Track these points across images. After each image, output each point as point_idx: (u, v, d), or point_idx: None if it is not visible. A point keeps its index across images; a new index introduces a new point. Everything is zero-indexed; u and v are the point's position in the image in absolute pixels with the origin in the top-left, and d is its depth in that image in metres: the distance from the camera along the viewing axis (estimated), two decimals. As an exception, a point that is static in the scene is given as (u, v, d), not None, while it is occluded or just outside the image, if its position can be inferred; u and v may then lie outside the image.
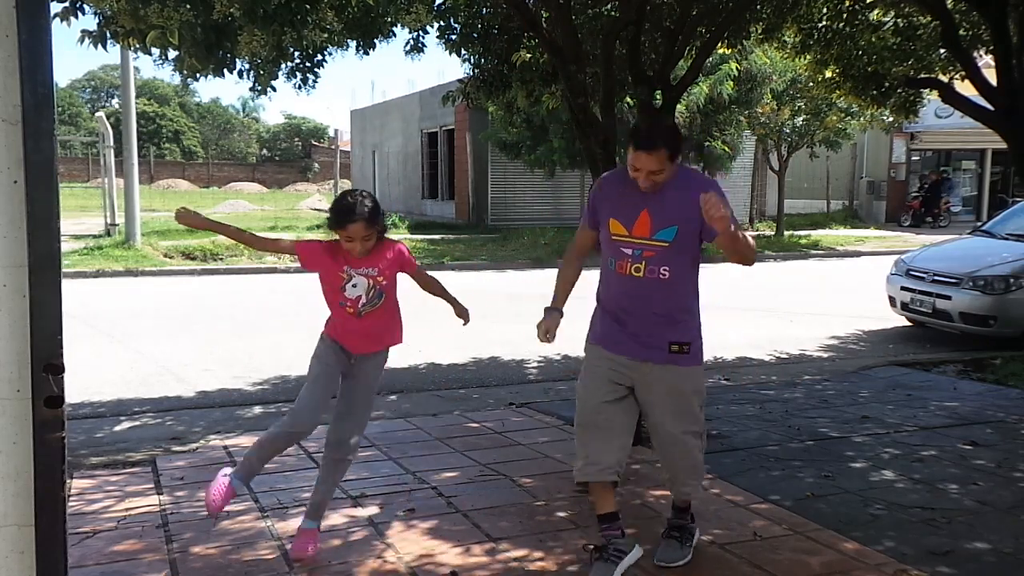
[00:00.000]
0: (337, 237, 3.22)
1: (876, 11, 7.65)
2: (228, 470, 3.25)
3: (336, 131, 30.72)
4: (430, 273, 3.57)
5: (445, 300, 3.50)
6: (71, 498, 3.95)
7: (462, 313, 3.49)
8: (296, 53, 5.86)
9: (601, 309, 3.27)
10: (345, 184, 34.95)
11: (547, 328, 3.27)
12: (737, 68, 17.57)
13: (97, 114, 20.77)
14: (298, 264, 3.37)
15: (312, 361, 3.34)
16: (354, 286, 3.23)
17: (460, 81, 7.46)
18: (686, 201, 2.98)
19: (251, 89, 5.94)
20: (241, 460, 3.32)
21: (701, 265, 3.22)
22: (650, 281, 3.08)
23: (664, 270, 3.07)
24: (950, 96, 7.32)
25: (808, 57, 7.90)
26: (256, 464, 3.27)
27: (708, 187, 2.96)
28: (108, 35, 5.44)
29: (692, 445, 3.25)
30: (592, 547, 3.21)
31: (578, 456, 3.21)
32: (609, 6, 6.41)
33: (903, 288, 8.91)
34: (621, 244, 3.12)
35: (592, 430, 3.16)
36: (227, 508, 3.82)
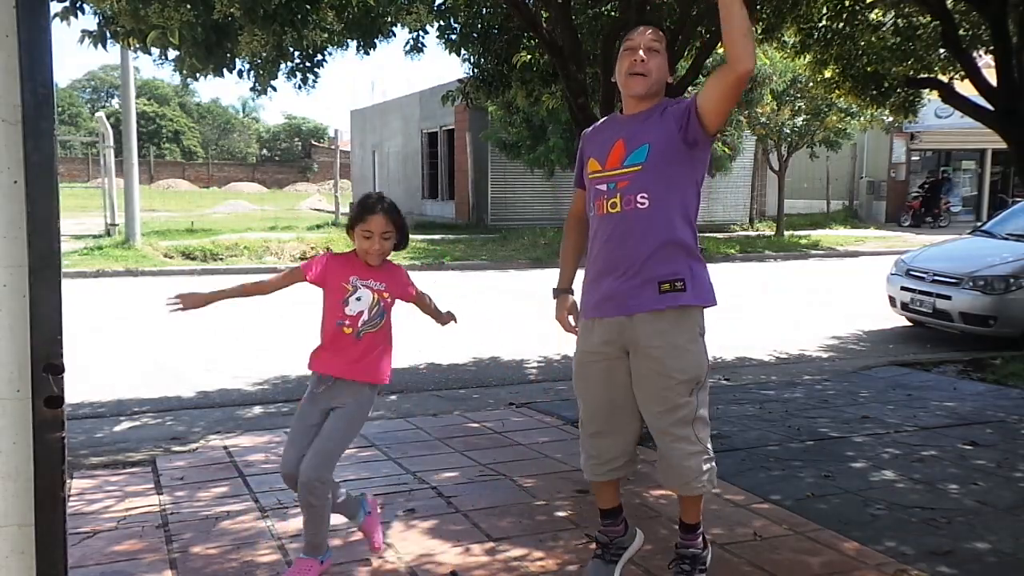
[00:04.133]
0: (350, 248, 3.08)
1: (876, 11, 7.66)
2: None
3: (336, 131, 30.70)
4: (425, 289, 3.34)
5: (431, 315, 3.29)
6: (71, 498, 3.95)
7: (446, 319, 3.30)
8: (296, 53, 5.88)
9: (587, 280, 2.91)
10: (345, 184, 34.97)
11: (567, 312, 3.00)
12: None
13: (97, 114, 20.77)
14: (298, 265, 3.28)
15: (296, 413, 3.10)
16: (358, 299, 2.99)
17: (460, 81, 7.46)
18: (661, 119, 2.75)
19: (251, 89, 5.96)
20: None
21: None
22: (628, 214, 2.73)
23: (642, 197, 2.71)
24: (950, 96, 7.33)
25: (808, 57, 7.91)
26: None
27: (683, 101, 2.78)
28: (108, 35, 5.45)
29: (681, 432, 2.77)
30: (592, 539, 3.11)
31: (582, 452, 3.00)
32: (609, 6, 6.42)
33: (903, 288, 8.91)
34: (596, 182, 2.83)
35: (593, 422, 2.93)
36: (227, 509, 3.84)
